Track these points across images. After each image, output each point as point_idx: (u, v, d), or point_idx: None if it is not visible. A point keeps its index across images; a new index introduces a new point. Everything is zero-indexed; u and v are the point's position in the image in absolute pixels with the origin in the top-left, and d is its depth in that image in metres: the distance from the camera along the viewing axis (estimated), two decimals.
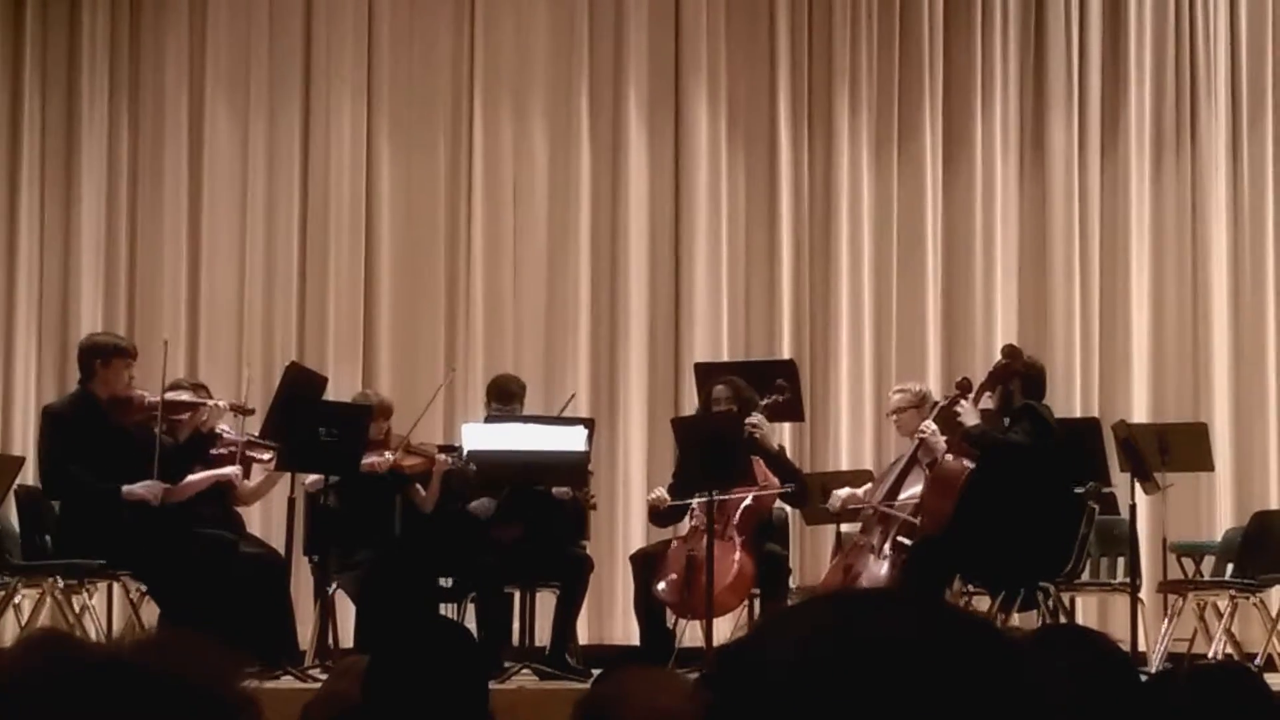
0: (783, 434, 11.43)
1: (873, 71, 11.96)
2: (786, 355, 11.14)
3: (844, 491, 9.47)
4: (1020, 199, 12.08)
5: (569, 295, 11.59)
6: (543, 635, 9.21)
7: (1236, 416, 11.85)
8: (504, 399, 9.64)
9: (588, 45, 11.74)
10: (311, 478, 9.24)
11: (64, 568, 8.60)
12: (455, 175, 11.65)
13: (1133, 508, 9.63)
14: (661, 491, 9.32)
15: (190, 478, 8.80)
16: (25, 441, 10.79)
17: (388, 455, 9.21)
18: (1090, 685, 2.69)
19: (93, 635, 8.24)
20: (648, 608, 9.09)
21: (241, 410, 8.99)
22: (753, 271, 11.83)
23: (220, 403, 8.94)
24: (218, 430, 8.98)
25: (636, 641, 9.41)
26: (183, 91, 11.43)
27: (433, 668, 3.51)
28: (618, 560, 10.68)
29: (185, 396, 8.89)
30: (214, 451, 8.95)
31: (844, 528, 9.67)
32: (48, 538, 8.90)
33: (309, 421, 8.77)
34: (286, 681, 7.99)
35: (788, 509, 10.34)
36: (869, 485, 9.55)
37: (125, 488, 8.48)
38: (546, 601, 9.34)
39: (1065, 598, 9.52)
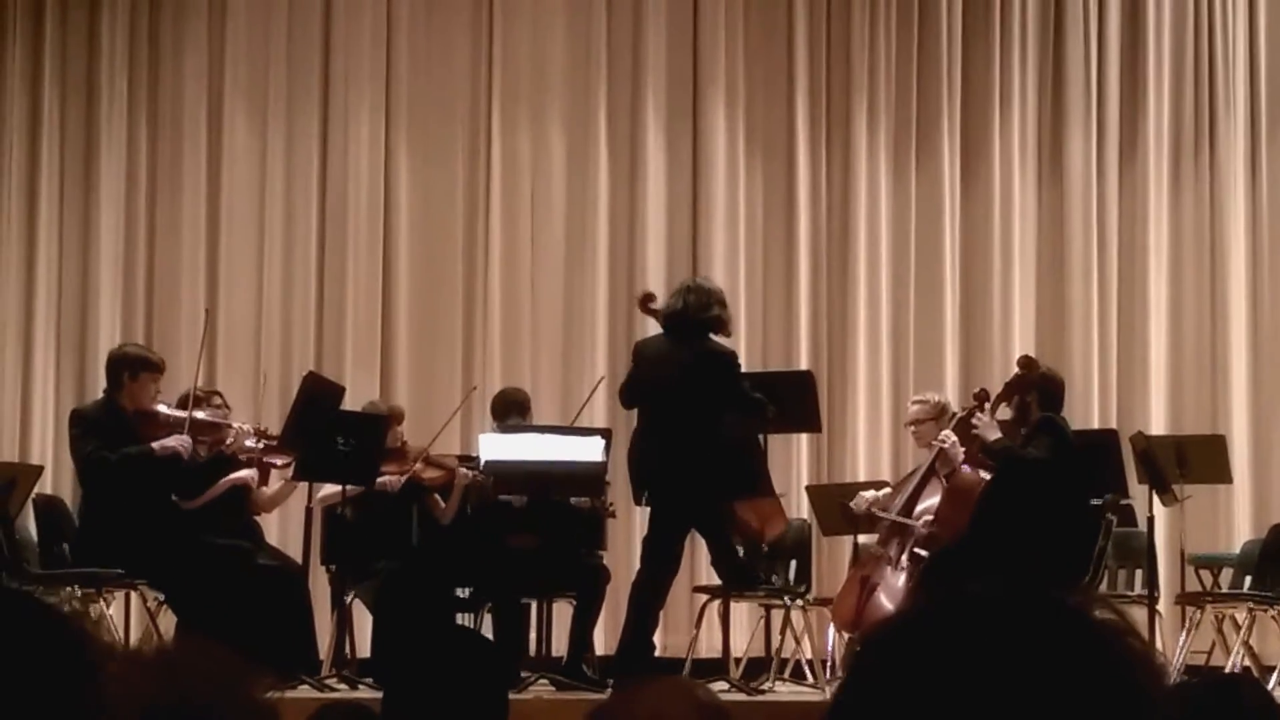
0: (800, 445, 11.45)
1: (891, 83, 11.96)
2: (804, 366, 11.13)
3: (870, 494, 9.47)
4: (1038, 210, 12.07)
5: (586, 305, 11.60)
6: (559, 645, 9.21)
7: (1255, 428, 11.83)
8: (519, 412, 9.61)
9: (605, 56, 11.76)
10: (323, 493, 9.25)
11: (82, 576, 8.62)
12: (473, 185, 11.66)
13: (1150, 520, 9.62)
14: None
15: (212, 489, 8.84)
16: (44, 450, 10.82)
17: (400, 476, 9.20)
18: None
19: None
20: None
21: (265, 436, 9.00)
22: (770, 283, 11.83)
23: (244, 426, 8.96)
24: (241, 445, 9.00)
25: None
26: (201, 102, 11.46)
27: (453, 678, 3.51)
28: (634, 570, 10.66)
29: (203, 410, 8.92)
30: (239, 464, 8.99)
31: (861, 538, 9.66)
32: (66, 546, 8.92)
33: (326, 431, 8.79)
34: (304, 691, 8.00)
35: (809, 521, 10.34)
36: (888, 489, 9.55)
37: (156, 442, 8.54)
38: (563, 612, 9.34)
39: None
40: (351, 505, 9.17)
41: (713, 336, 8.78)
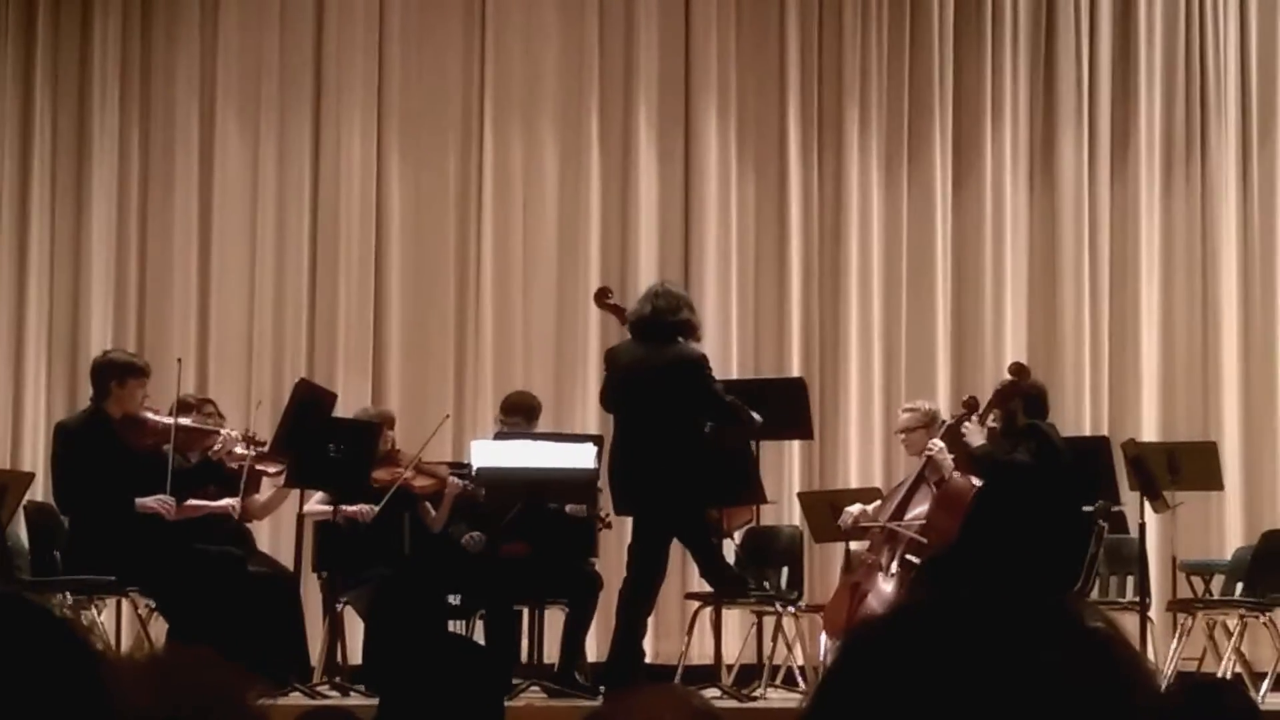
0: (792, 453, 11.45)
1: (882, 89, 11.97)
2: (796, 373, 11.14)
3: (855, 508, 9.46)
4: (1030, 217, 12.08)
5: (579, 311, 11.59)
6: (551, 653, 9.21)
7: (1246, 435, 11.83)
8: (526, 416, 9.59)
9: (598, 62, 11.76)
10: (309, 506, 9.23)
11: (73, 583, 8.61)
12: (465, 192, 11.66)
13: (1142, 526, 9.62)
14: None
15: (190, 501, 8.78)
16: (35, 458, 10.80)
17: (374, 508, 9.16)
18: None
19: None
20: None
21: (253, 442, 8.97)
22: (762, 289, 11.83)
23: (233, 433, 8.94)
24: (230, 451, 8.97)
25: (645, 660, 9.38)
26: (193, 108, 11.46)
27: (449, 686, 3.51)
28: None
29: (193, 417, 8.90)
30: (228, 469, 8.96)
31: (853, 546, 9.66)
32: (57, 553, 8.91)
33: (318, 438, 8.78)
34: (295, 698, 7.99)
35: (801, 528, 10.34)
36: (879, 502, 9.55)
37: (138, 500, 8.50)
38: (555, 619, 9.34)
39: None
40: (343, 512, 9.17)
41: (682, 341, 8.74)
